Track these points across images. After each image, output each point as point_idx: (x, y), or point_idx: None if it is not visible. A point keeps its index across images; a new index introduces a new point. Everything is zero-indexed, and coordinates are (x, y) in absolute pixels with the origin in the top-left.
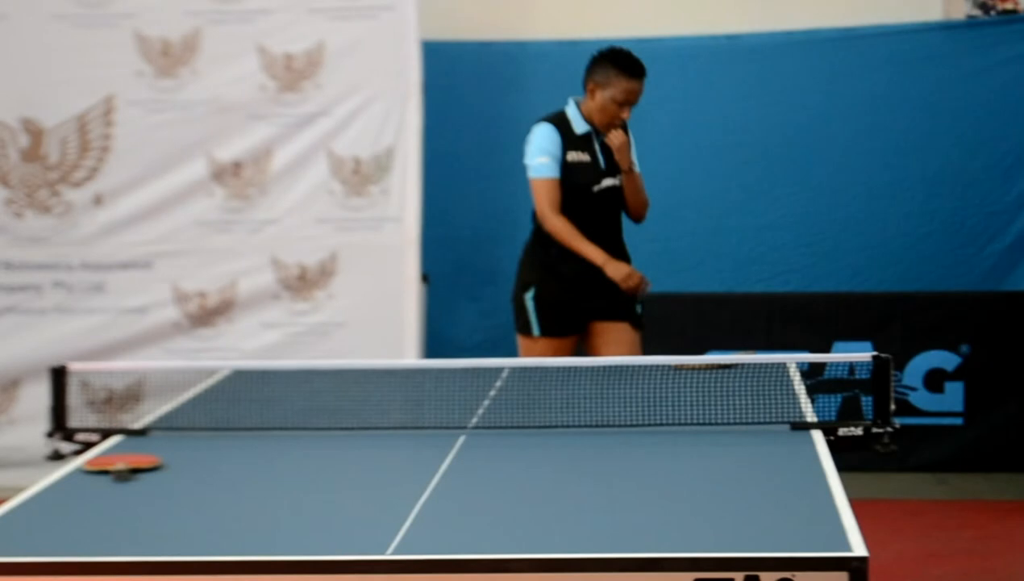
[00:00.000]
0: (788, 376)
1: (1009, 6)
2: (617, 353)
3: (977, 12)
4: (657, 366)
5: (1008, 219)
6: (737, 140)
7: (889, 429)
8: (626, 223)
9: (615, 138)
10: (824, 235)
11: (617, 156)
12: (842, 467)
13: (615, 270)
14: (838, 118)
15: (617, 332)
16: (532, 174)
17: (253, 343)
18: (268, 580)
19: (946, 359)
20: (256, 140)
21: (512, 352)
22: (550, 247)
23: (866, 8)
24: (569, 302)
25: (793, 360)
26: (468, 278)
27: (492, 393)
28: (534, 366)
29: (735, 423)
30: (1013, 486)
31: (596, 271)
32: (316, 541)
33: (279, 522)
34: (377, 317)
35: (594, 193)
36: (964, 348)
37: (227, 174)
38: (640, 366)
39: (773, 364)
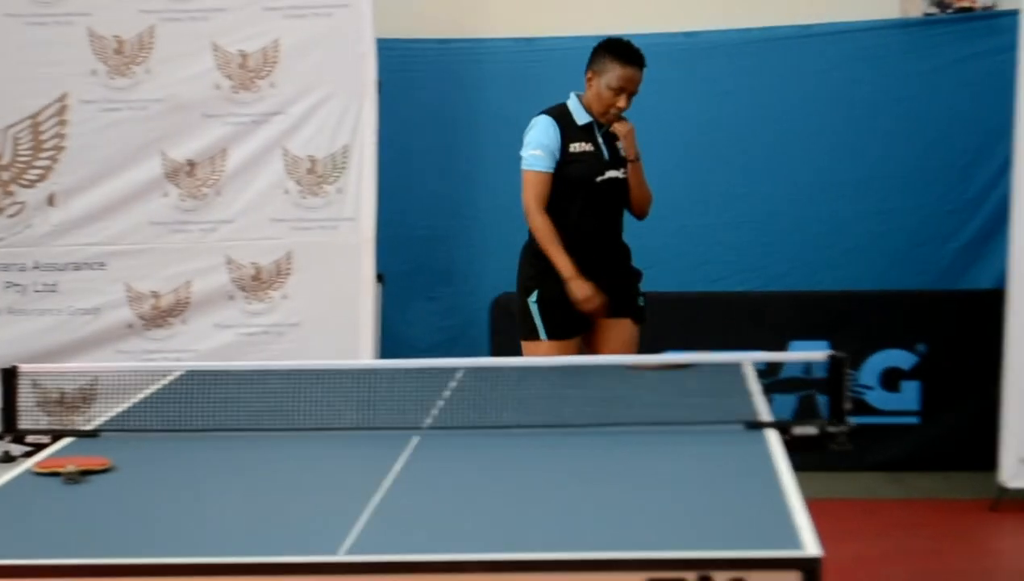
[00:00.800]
0: (743, 375)
1: (966, 4)
2: (617, 350)
3: (934, 10)
4: (612, 366)
5: (965, 218)
6: (693, 139)
7: (844, 428)
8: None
9: (622, 126)
10: (781, 234)
11: (624, 144)
12: (798, 466)
13: (578, 289)
14: (795, 116)
15: (619, 329)
16: (523, 166)
17: (207, 344)
18: None
19: (903, 358)
20: (211, 139)
21: (467, 352)
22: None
23: (824, 6)
24: (572, 303)
25: (748, 359)
26: (424, 278)
27: (447, 394)
28: (488, 366)
29: (690, 423)
30: (969, 485)
31: (602, 264)
32: (267, 543)
33: (230, 524)
34: (332, 317)
35: (597, 184)
36: (921, 347)
37: (181, 173)
38: (595, 366)
39: (728, 363)
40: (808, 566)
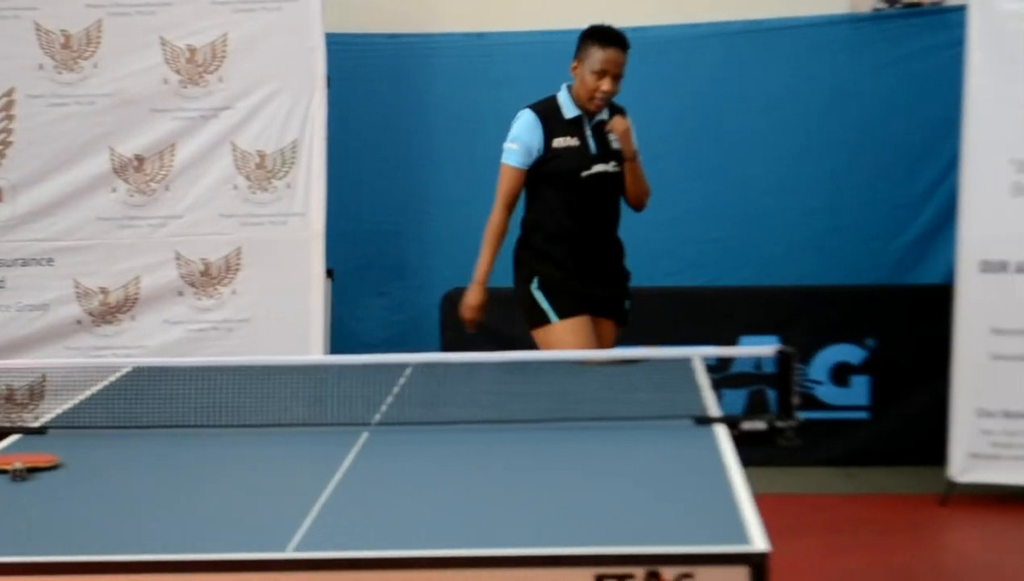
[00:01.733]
0: (693, 371)
1: None
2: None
3: (883, 5)
4: (562, 361)
5: (914, 213)
6: (642, 134)
7: (792, 423)
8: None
9: (619, 124)
10: (731, 229)
11: (621, 142)
12: (749, 462)
13: (468, 295)
14: (744, 111)
15: (603, 328)
16: (501, 159)
17: (157, 340)
18: (166, 579)
19: (852, 353)
20: (159, 134)
21: (418, 347)
22: (543, 235)
23: (773, 1)
24: (570, 284)
25: (697, 354)
26: (374, 273)
27: (396, 390)
28: (437, 362)
29: (639, 418)
30: (918, 480)
31: (592, 260)
32: (215, 539)
33: (178, 520)
34: (282, 313)
35: (582, 179)
36: (870, 342)
37: (130, 169)
38: (545, 361)
39: (678, 359)
40: (756, 561)
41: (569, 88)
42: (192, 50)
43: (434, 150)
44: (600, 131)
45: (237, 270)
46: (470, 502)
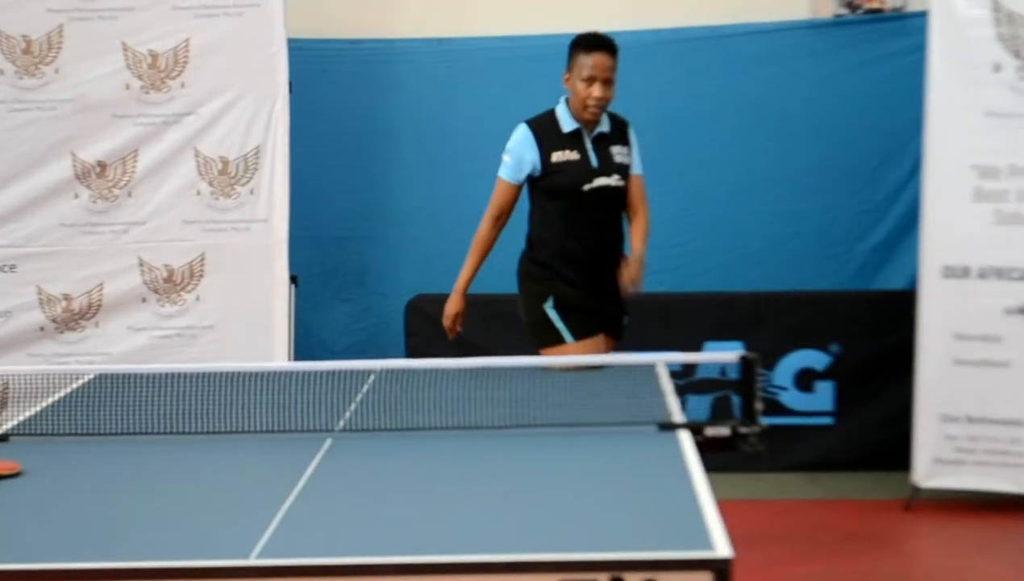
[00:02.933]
0: (657, 376)
1: (875, 5)
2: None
3: (844, 11)
4: (526, 367)
5: (877, 218)
6: None
7: (756, 429)
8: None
9: (628, 276)
10: (694, 235)
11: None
12: (714, 467)
13: (447, 305)
14: (706, 118)
15: (605, 346)
16: (498, 171)
17: (120, 347)
18: None
19: (816, 358)
20: (121, 140)
21: (382, 354)
22: (551, 253)
23: (734, 7)
24: (586, 302)
25: (661, 360)
26: (338, 279)
27: (360, 396)
28: (402, 368)
29: (603, 424)
30: (883, 485)
31: (599, 276)
32: (179, 546)
33: (141, 528)
34: (246, 319)
35: (584, 193)
36: (834, 347)
37: (92, 174)
38: (509, 367)
39: (642, 364)
40: (719, 567)
41: (567, 101)
42: (154, 55)
43: (397, 156)
44: (601, 144)
45: (201, 276)
46: (434, 509)
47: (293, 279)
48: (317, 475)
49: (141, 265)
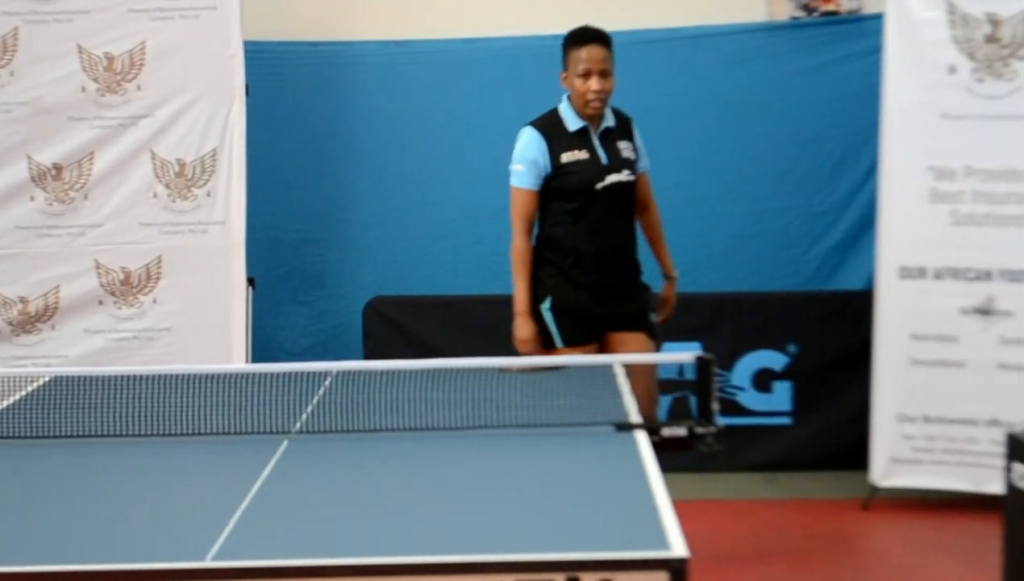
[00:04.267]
0: (614, 377)
1: (831, 7)
2: (636, 369)
3: (800, 13)
4: (483, 368)
5: (833, 219)
6: None
7: (712, 429)
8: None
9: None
10: None
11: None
12: (673, 467)
13: (517, 326)
14: (663, 119)
15: (635, 343)
16: (510, 182)
17: (77, 349)
18: None
19: (774, 359)
20: (77, 142)
21: (340, 356)
22: (563, 254)
23: (691, 9)
24: (586, 309)
25: (618, 361)
26: (296, 282)
27: (316, 398)
28: (359, 369)
29: (559, 425)
30: (841, 485)
31: (613, 275)
32: (135, 549)
33: (97, 530)
34: (203, 322)
35: (597, 191)
36: (792, 348)
37: (48, 177)
38: (465, 368)
39: (599, 365)
40: (675, 566)
41: (569, 99)
42: (110, 58)
43: (355, 158)
44: (608, 139)
45: (158, 279)
46: (389, 510)
47: (251, 281)
48: (273, 477)
49: (98, 268)
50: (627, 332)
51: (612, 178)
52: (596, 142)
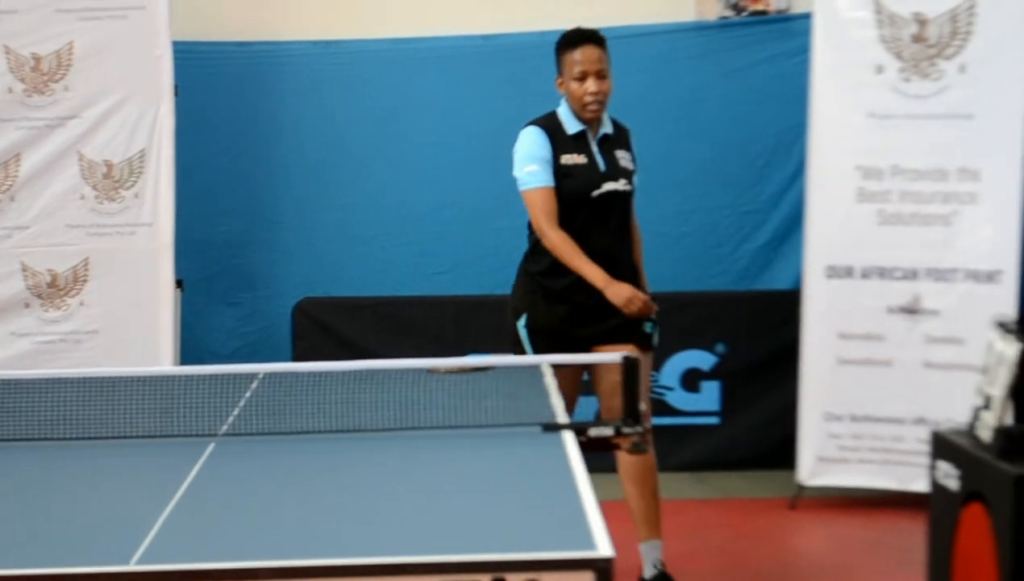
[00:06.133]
0: (542, 377)
1: (760, 7)
2: (618, 379)
3: (729, 13)
4: (410, 369)
5: (762, 219)
6: (494, 141)
7: (639, 429)
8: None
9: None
10: None
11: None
12: (604, 468)
13: (615, 294)
14: None
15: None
16: (522, 186)
17: (3, 352)
18: None
19: (702, 359)
20: (4, 144)
21: (269, 358)
22: (541, 263)
23: (620, 9)
24: (561, 328)
25: (545, 361)
26: (224, 283)
27: (243, 401)
28: (286, 371)
29: (487, 425)
30: (768, 484)
31: (593, 291)
32: (58, 553)
33: (20, 534)
34: (131, 324)
35: (593, 199)
36: (720, 347)
37: None
38: (394, 370)
39: (527, 366)
40: (601, 566)
41: (567, 102)
42: (37, 58)
43: (284, 159)
44: (606, 146)
45: (85, 281)
46: (316, 512)
47: (179, 283)
48: (199, 480)
49: (24, 270)
50: (612, 344)
51: (609, 186)
52: (594, 148)
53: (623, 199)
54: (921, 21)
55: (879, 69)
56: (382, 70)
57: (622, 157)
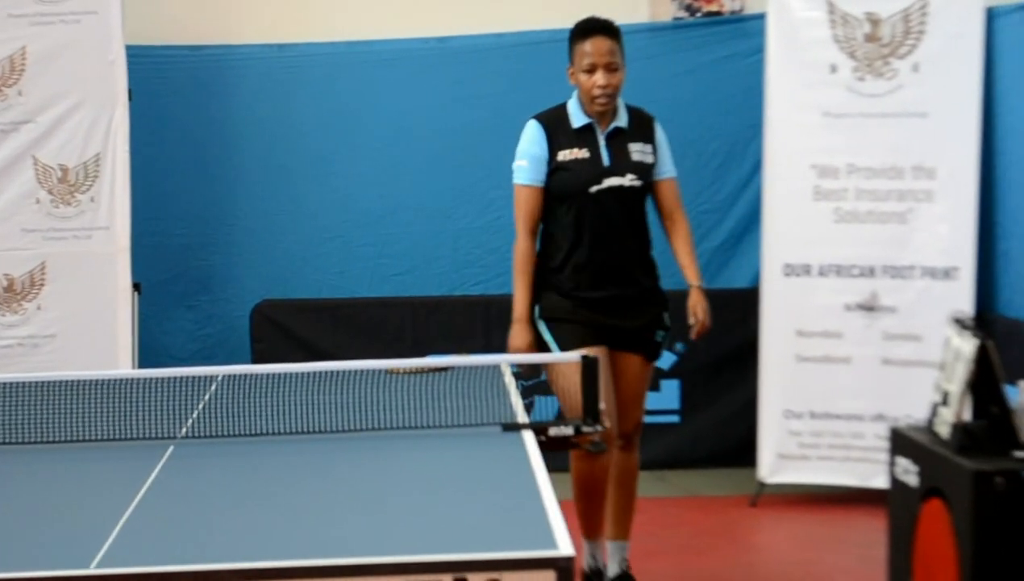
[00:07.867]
0: (501, 377)
1: (714, 8)
2: (622, 388)
3: (683, 14)
4: (370, 370)
5: (719, 218)
6: (450, 142)
7: (599, 428)
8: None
9: (696, 311)
10: None
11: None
12: (562, 467)
13: (513, 336)
14: None
15: (624, 365)
16: (513, 180)
17: None
18: None
19: (662, 357)
20: None
21: (228, 360)
22: (553, 259)
23: (573, 11)
24: (577, 313)
25: (505, 361)
26: (182, 286)
27: (202, 403)
28: (245, 373)
29: (447, 426)
30: (729, 481)
31: (608, 286)
32: (16, 557)
33: None
34: (89, 328)
35: (591, 194)
36: (679, 346)
37: None
38: (354, 371)
39: (486, 366)
40: (562, 565)
41: (579, 95)
42: None
43: (239, 162)
44: (616, 140)
45: (42, 285)
46: (276, 514)
47: (136, 286)
48: (159, 482)
49: None
50: (622, 352)
51: (611, 181)
52: (601, 141)
53: (631, 195)
54: (874, 21)
55: (833, 69)
56: (337, 72)
57: (636, 151)
